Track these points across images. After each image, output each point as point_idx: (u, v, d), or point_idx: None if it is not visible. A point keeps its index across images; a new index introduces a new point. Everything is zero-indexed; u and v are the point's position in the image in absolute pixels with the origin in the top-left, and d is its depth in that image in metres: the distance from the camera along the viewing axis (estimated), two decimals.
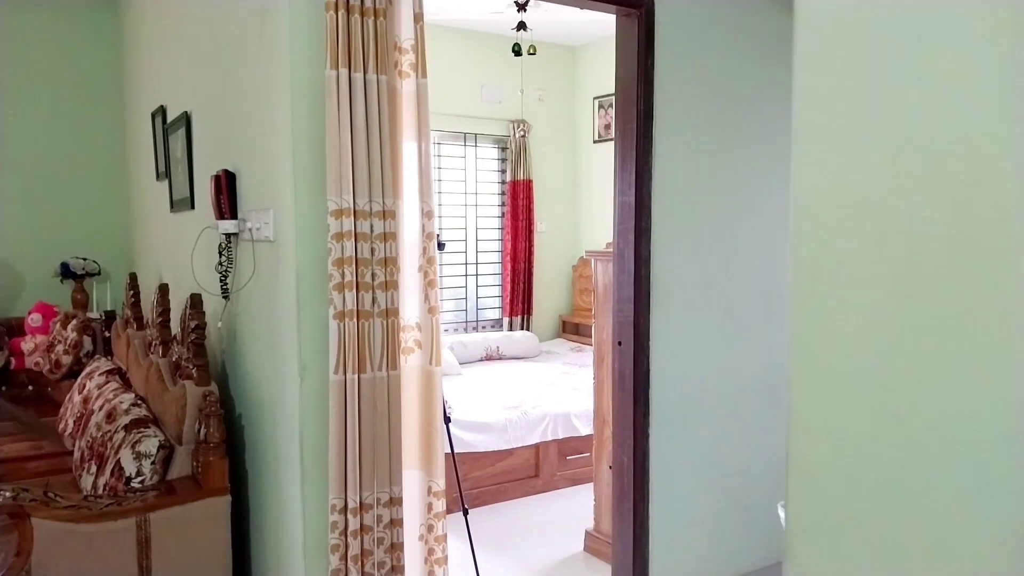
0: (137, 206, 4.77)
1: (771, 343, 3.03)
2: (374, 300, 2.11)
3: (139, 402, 2.95)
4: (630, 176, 2.73)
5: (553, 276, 6.72)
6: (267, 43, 2.22)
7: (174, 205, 3.60)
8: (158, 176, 3.92)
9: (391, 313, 2.14)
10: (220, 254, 2.68)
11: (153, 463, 2.45)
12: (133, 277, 3.98)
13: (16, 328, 4.64)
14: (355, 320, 2.07)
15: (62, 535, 2.17)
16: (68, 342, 4.29)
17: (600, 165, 6.37)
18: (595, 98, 6.40)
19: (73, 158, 5.01)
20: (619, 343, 2.84)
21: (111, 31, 5.09)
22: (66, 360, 4.28)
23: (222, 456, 2.41)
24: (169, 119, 3.59)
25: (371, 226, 2.09)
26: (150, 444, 2.45)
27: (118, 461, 2.49)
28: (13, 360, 4.58)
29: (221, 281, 2.66)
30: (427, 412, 2.25)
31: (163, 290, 3.19)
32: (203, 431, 2.40)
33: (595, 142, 6.44)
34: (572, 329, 6.67)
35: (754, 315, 2.99)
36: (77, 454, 3.13)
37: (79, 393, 3.76)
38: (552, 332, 6.75)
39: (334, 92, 2.00)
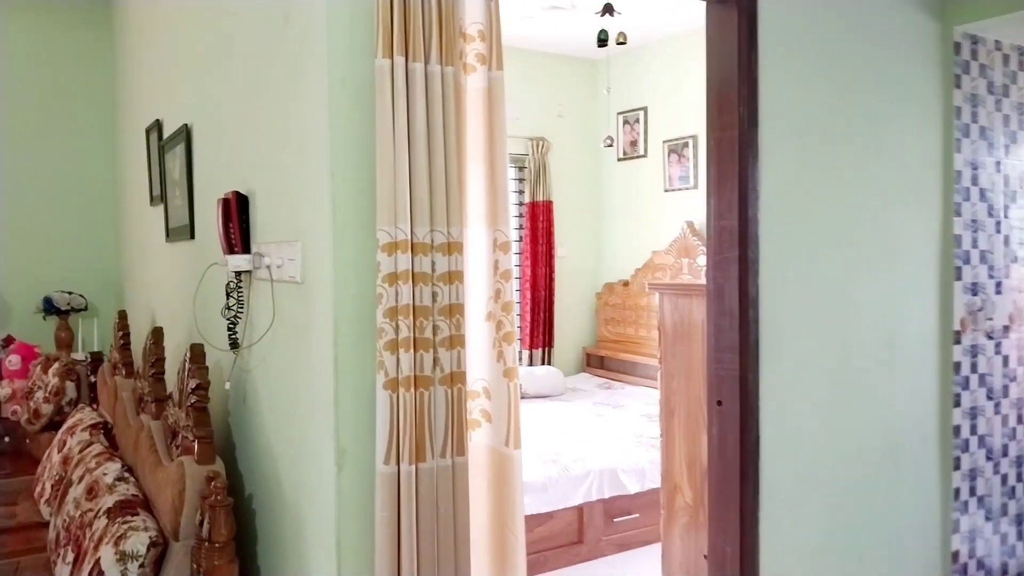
0: (128, 235, 4.26)
1: (892, 398, 2.51)
2: (436, 362, 1.59)
3: (126, 475, 2.41)
4: (731, 195, 2.23)
5: (575, 305, 6.20)
6: (295, 28, 1.72)
7: (170, 234, 3.09)
8: (152, 200, 3.41)
9: (457, 379, 1.62)
10: (228, 296, 2.17)
11: (142, 566, 1.91)
12: (122, 316, 3.46)
13: None
14: (411, 390, 1.55)
15: None
16: (49, 388, 3.76)
17: (625, 185, 5.90)
18: (619, 113, 5.93)
19: (58, 180, 4.51)
20: (719, 403, 2.32)
21: (101, 39, 4.61)
22: (46, 409, 3.75)
23: (230, 559, 1.88)
24: (165, 134, 3.09)
25: (432, 263, 1.58)
26: (138, 542, 1.92)
27: (97, 562, 1.95)
28: None
29: (229, 330, 2.15)
30: (500, 511, 1.72)
31: (156, 335, 2.66)
32: (206, 525, 1.87)
33: (620, 160, 5.97)
34: (597, 363, 6.13)
35: (872, 364, 2.48)
36: (52, 533, 2.59)
37: (58, 451, 3.22)
38: (575, 366, 6.22)
39: (387, 87, 1.50)
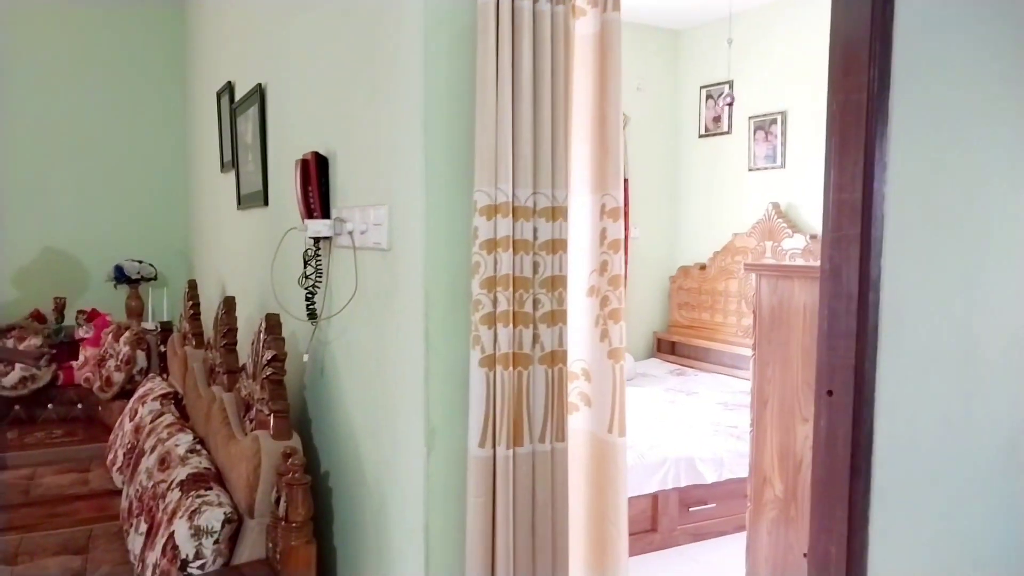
0: (198, 202, 4.22)
1: (1017, 395, 2.27)
2: (536, 339, 1.45)
3: (198, 447, 2.35)
4: (854, 166, 2.00)
5: (647, 288, 5.98)
6: None
7: (242, 201, 3.01)
8: (223, 167, 3.34)
9: (558, 358, 1.47)
10: (306, 264, 2.06)
11: (216, 542, 1.83)
12: (192, 285, 3.42)
13: (66, 338, 4.14)
14: (510, 368, 1.40)
15: None
16: (121, 357, 3.76)
17: (705, 164, 5.63)
18: (702, 87, 5.66)
19: (129, 148, 4.51)
20: (829, 393, 2.12)
21: (171, 4, 4.56)
22: (118, 378, 3.75)
23: (308, 539, 1.78)
24: (237, 96, 3.01)
25: (534, 230, 1.43)
26: (212, 518, 1.83)
27: (171, 536, 1.88)
28: (62, 375, 4.07)
29: (307, 300, 2.04)
30: (600, 503, 1.57)
31: (228, 305, 2.59)
32: (283, 504, 1.77)
33: (701, 136, 5.70)
34: (668, 348, 5.91)
35: (997, 357, 2.23)
36: (125, 502, 2.56)
37: (130, 420, 3.20)
38: (645, 351, 6.02)
39: (491, 27, 1.34)
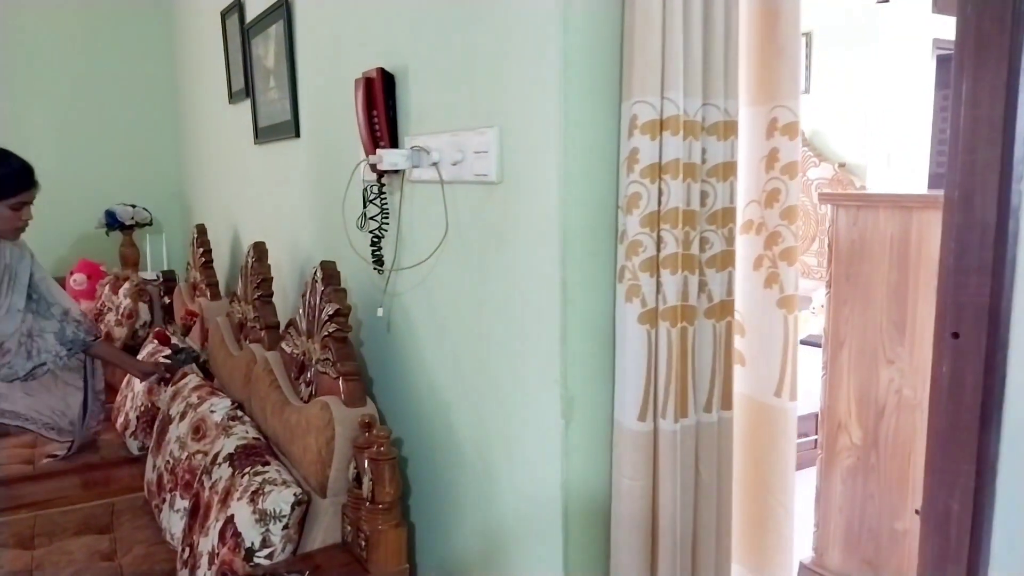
0: (196, 140, 3.84)
1: None
2: (702, 287, 1.18)
3: (238, 413, 2.07)
4: (994, 77, 1.74)
5: None
6: None
7: (260, 134, 2.66)
8: (232, 97, 2.97)
9: (726, 309, 1.21)
10: (367, 203, 1.76)
11: (286, 527, 1.58)
12: (201, 230, 3.09)
13: None
14: (676, 323, 1.14)
15: None
16: (121, 310, 3.43)
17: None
18: None
19: (112, 85, 4.07)
20: (954, 335, 1.89)
21: None
22: (120, 333, 3.42)
23: (397, 522, 1.53)
24: (249, 16, 2.63)
25: (703, 151, 1.15)
26: (280, 500, 1.57)
27: (230, 520, 1.62)
28: None
29: (373, 245, 1.74)
30: (762, 476, 1.33)
31: (260, 252, 2.28)
32: (367, 482, 1.52)
33: None
34: None
35: None
36: (152, 474, 2.29)
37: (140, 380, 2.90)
38: None
39: None
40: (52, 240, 3.86)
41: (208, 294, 2.90)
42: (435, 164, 1.49)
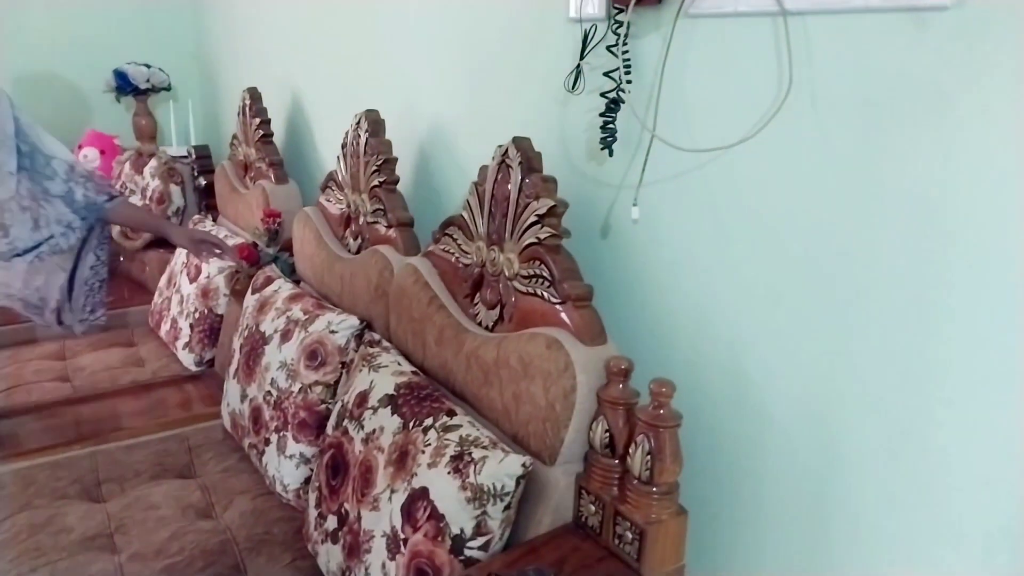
0: None
1: None
2: None
3: (374, 336, 1.60)
4: None
5: None
6: None
7: None
8: None
9: None
10: (585, 52, 1.24)
11: (507, 508, 1.14)
12: (254, 96, 2.50)
13: None
14: None
15: None
16: (150, 193, 2.86)
17: None
18: None
19: None
20: None
21: None
22: None
23: (677, 509, 1.10)
24: None
25: None
26: (503, 472, 1.12)
27: (423, 495, 1.18)
28: None
29: (607, 114, 1.22)
30: None
31: (376, 124, 1.73)
32: (643, 457, 1.07)
33: None
34: None
35: None
36: (241, 405, 1.82)
37: (189, 280, 2.40)
38: None
39: None
40: (50, 106, 3.21)
41: (272, 176, 2.35)
42: None
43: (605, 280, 1.33)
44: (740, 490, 1.20)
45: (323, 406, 1.60)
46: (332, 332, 1.63)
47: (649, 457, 1.07)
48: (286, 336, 1.71)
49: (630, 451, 1.09)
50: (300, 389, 1.63)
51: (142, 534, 1.55)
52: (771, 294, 1.09)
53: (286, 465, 1.62)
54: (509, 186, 1.29)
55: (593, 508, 1.16)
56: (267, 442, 1.69)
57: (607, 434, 1.13)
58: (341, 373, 1.61)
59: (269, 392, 1.70)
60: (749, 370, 1.14)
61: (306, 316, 1.71)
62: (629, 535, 1.10)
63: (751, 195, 1.08)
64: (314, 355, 1.63)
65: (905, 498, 0.96)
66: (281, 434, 1.65)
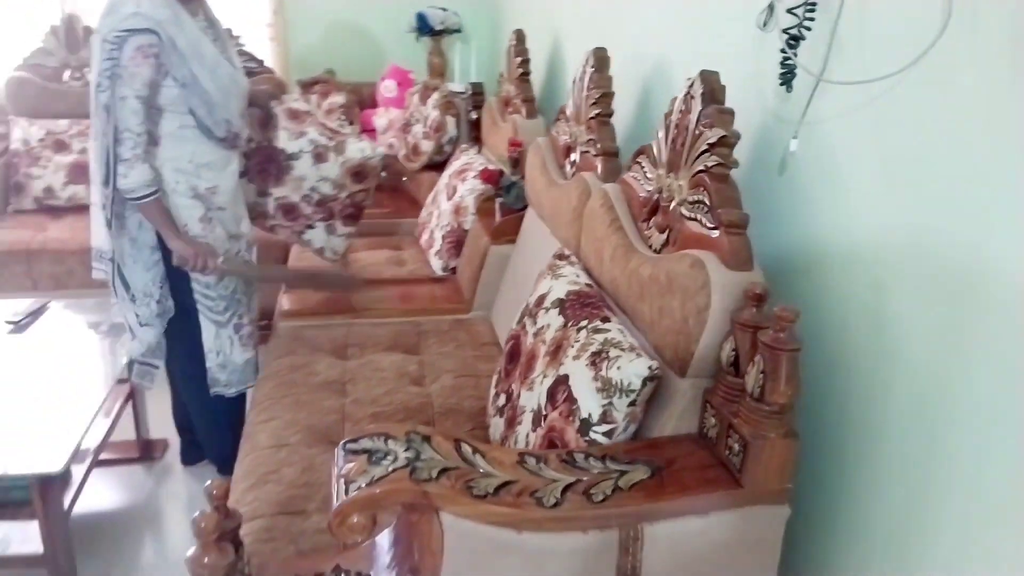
0: None
1: None
2: None
3: (564, 251, 1.78)
4: None
5: None
6: None
7: None
8: None
9: None
10: None
11: (632, 404, 1.26)
12: (520, 37, 2.75)
13: (367, 98, 3.74)
14: None
15: (488, 547, 1.11)
16: (429, 123, 3.29)
17: None
18: None
19: None
20: None
21: None
22: (426, 147, 3.31)
23: (787, 430, 1.15)
24: None
25: None
26: (631, 372, 1.24)
27: (564, 381, 1.34)
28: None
29: (788, 50, 1.25)
30: None
31: (601, 60, 1.87)
32: (758, 375, 1.13)
33: None
34: None
35: None
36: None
37: (447, 198, 2.76)
38: None
39: None
40: (362, 42, 3.78)
41: (524, 111, 2.60)
42: None
43: (776, 213, 1.36)
44: (866, 426, 1.20)
45: None
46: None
47: (763, 376, 1.12)
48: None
49: (748, 369, 1.15)
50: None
51: (366, 387, 1.91)
52: (914, 234, 1.07)
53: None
54: (690, 116, 1.37)
55: (713, 420, 1.24)
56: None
57: (733, 352, 1.19)
58: None
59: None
60: (888, 312, 1.13)
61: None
62: (736, 447, 1.17)
63: (912, 130, 1.06)
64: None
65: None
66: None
